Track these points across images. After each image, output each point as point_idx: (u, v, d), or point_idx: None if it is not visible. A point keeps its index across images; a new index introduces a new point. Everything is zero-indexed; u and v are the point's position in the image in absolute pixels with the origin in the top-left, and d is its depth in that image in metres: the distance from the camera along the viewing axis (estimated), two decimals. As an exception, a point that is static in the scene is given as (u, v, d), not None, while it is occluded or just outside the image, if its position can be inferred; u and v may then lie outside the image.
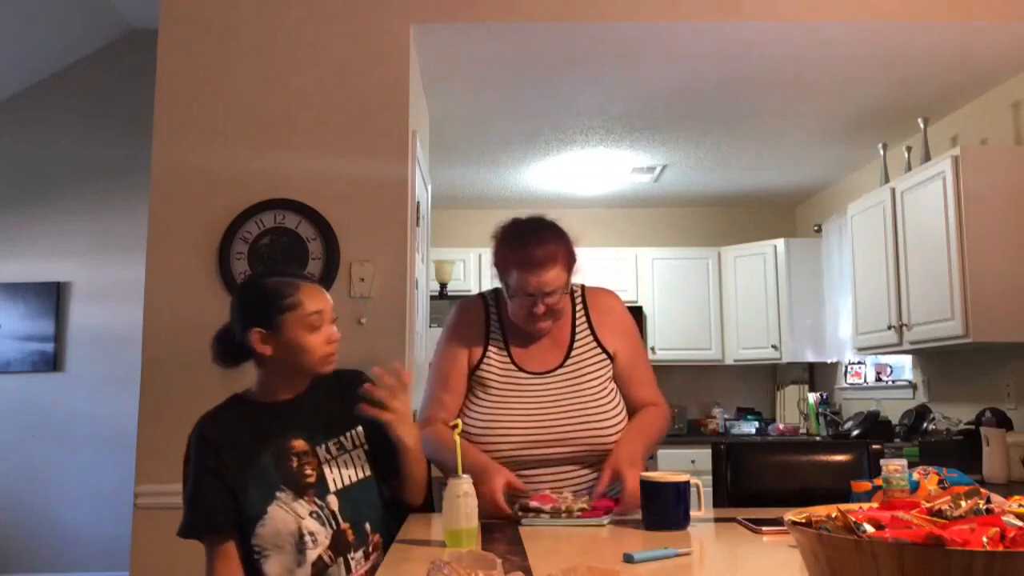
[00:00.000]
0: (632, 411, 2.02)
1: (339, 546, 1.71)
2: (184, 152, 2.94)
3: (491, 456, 1.90)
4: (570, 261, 1.97)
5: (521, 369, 1.99)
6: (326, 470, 1.74)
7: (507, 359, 2.00)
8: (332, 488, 1.73)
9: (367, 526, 1.75)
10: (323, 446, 1.76)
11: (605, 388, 1.98)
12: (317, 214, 2.92)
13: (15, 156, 5.31)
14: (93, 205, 5.27)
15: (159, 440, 2.78)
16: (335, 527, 1.72)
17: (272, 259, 2.89)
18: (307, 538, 1.69)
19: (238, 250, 2.89)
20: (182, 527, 1.74)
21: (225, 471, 1.72)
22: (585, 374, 1.98)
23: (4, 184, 5.30)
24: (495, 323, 2.05)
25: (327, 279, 2.89)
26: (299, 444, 1.74)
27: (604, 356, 2.01)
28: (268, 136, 2.96)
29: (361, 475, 1.77)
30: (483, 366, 2.00)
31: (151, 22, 3.62)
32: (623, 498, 1.80)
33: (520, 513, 1.74)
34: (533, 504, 1.74)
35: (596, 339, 2.02)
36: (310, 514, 1.70)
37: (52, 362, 5.21)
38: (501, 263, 1.97)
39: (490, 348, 2.01)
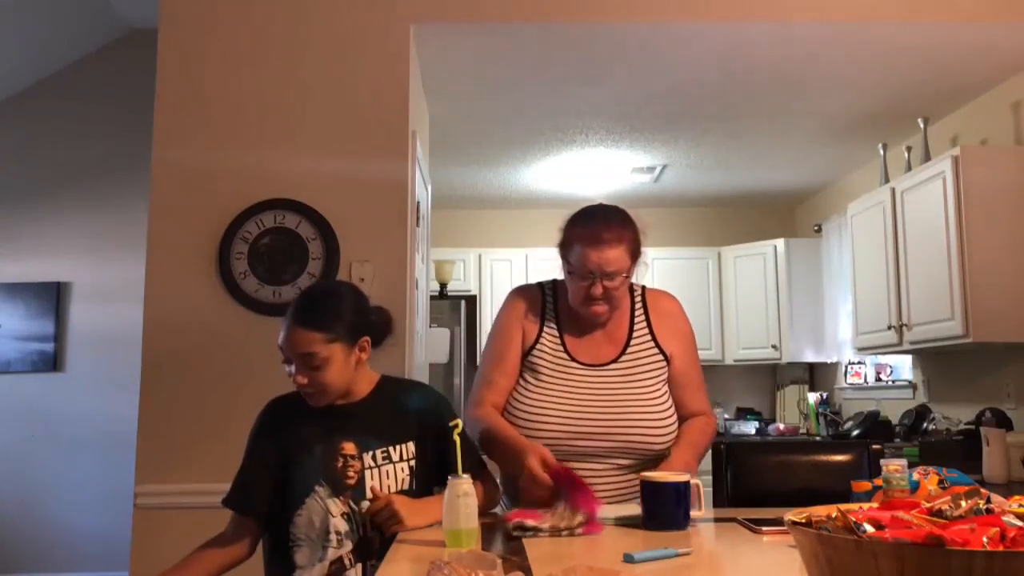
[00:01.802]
0: (681, 418, 2.00)
1: (363, 552, 1.74)
2: (184, 152, 2.94)
3: None
4: (635, 249, 1.94)
5: (574, 359, 1.97)
6: (367, 476, 1.76)
7: (560, 347, 1.98)
8: (369, 495, 1.75)
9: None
10: (371, 453, 1.78)
11: (658, 389, 1.96)
12: (317, 214, 2.92)
13: (15, 156, 5.31)
14: (93, 205, 5.27)
15: (159, 440, 2.78)
16: (362, 533, 1.74)
17: (272, 259, 2.89)
18: (332, 536, 1.73)
19: (238, 250, 2.89)
20: (225, 497, 1.83)
21: (275, 457, 1.79)
22: (639, 372, 1.96)
23: (4, 184, 5.30)
24: (551, 310, 2.03)
25: (327, 279, 2.89)
26: (348, 447, 1.78)
27: (660, 357, 1.99)
28: (268, 136, 2.96)
29: (401, 488, 1.79)
30: (536, 350, 1.98)
31: (151, 22, 3.61)
32: None
33: (517, 532, 1.62)
34: (530, 523, 1.63)
35: (654, 338, 2.01)
36: (341, 514, 1.74)
37: (52, 362, 5.20)
38: (566, 239, 1.96)
39: (544, 333, 2.00)
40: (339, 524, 1.73)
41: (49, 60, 5.21)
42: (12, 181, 5.30)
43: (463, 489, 1.52)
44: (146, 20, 4.90)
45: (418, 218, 3.16)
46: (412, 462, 1.81)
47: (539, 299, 2.06)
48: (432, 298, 4.55)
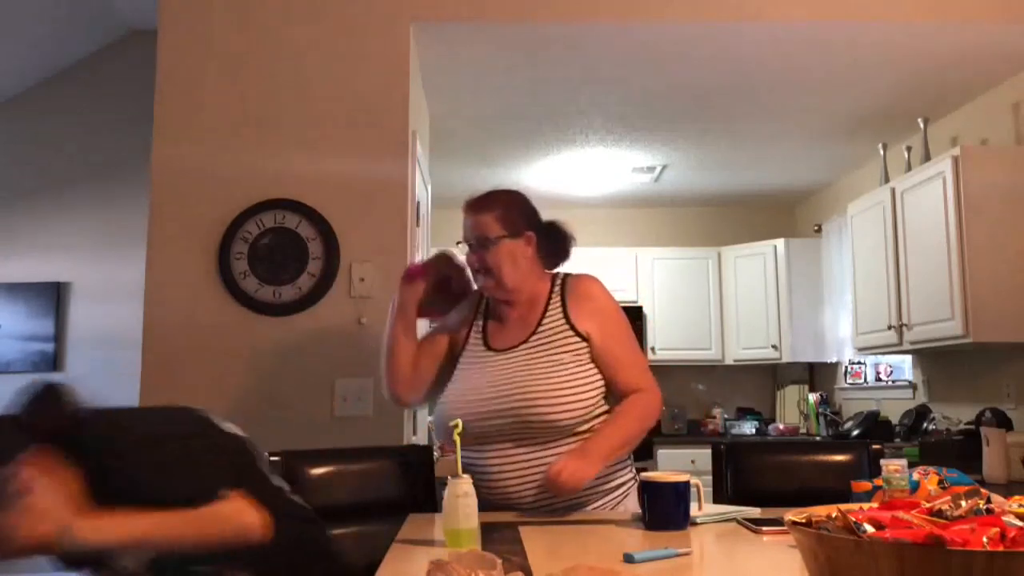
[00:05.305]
0: (617, 396, 1.98)
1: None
2: (184, 152, 2.94)
3: None
4: (508, 219, 2.01)
5: (489, 347, 2.03)
6: None
7: (480, 338, 2.06)
8: None
9: None
10: None
11: (567, 369, 1.93)
12: (317, 214, 2.92)
13: (16, 156, 5.31)
14: (93, 205, 5.26)
15: (159, 440, 2.78)
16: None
17: (272, 259, 2.89)
18: None
19: (238, 250, 2.89)
20: None
21: None
22: (548, 352, 1.95)
23: (5, 184, 5.30)
24: (483, 306, 2.12)
25: (327, 279, 2.89)
26: None
27: (574, 336, 1.98)
28: (268, 136, 2.96)
29: None
30: (464, 348, 2.07)
31: (151, 22, 3.61)
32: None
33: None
34: None
35: (567, 320, 2.00)
36: None
37: (52, 362, 5.20)
38: None
39: (473, 329, 2.09)
40: None
41: (49, 60, 5.21)
42: (13, 181, 5.30)
43: (463, 489, 1.51)
44: (146, 20, 4.90)
45: (418, 218, 3.16)
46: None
47: (480, 297, 2.14)
48: (432, 298, 4.54)
